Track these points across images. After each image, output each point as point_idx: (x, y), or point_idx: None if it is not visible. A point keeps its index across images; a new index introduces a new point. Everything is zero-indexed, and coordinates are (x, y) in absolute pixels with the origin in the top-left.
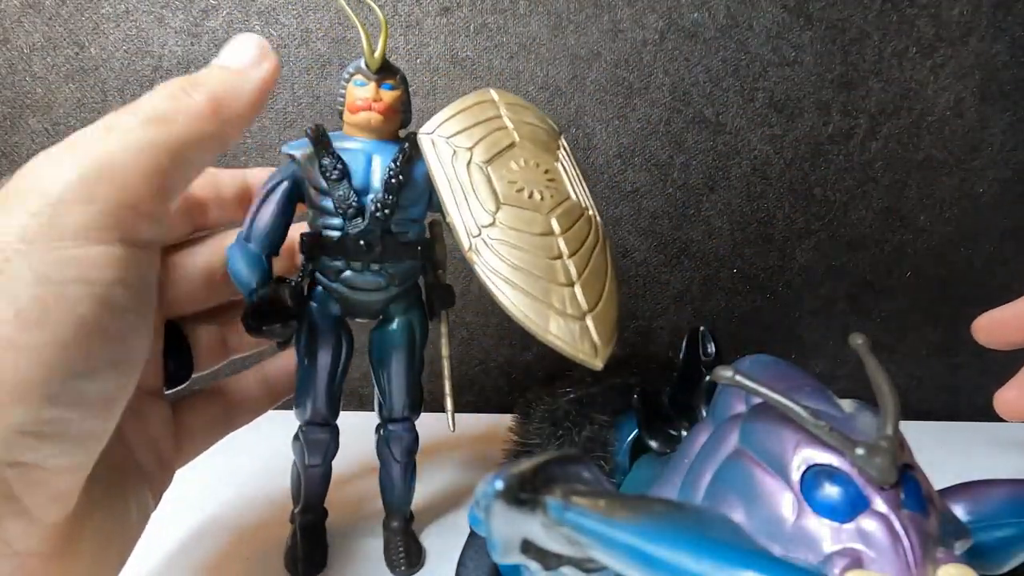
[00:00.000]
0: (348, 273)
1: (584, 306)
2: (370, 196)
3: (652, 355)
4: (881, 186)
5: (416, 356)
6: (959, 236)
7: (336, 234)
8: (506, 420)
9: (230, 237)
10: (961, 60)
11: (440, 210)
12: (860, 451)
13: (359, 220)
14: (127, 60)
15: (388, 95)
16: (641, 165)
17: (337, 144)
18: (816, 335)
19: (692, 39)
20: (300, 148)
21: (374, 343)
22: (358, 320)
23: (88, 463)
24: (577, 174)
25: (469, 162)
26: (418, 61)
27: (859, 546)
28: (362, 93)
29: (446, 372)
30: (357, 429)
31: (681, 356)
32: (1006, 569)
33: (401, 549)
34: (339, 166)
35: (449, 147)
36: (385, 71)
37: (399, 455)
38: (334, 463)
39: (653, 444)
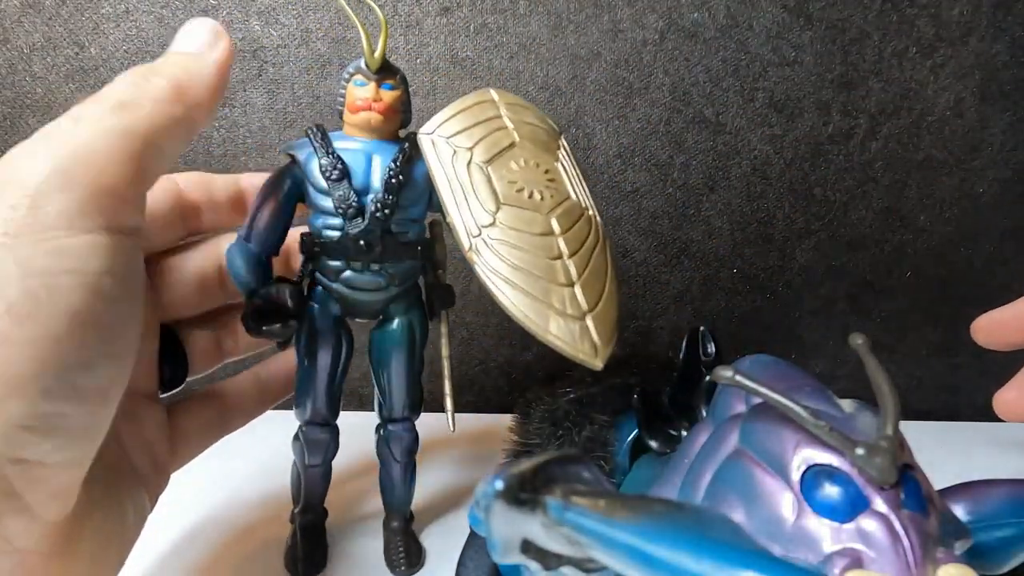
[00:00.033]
0: (348, 273)
1: (584, 306)
2: (370, 196)
3: (652, 355)
4: (881, 186)
5: (416, 356)
6: (959, 236)
7: (336, 234)
8: (506, 420)
9: (225, 242)
10: (961, 60)
11: (440, 210)
12: (860, 451)
13: (359, 220)
14: (127, 60)
15: (388, 95)
16: (641, 165)
17: (337, 144)
18: (816, 335)
19: (692, 39)
20: (300, 148)
21: (374, 343)
22: (358, 320)
23: (87, 459)
24: (577, 174)
25: (469, 162)
26: (418, 61)
27: (859, 546)
28: (362, 93)
29: (446, 372)
30: (357, 429)
31: (681, 356)
32: (1006, 569)
33: (401, 549)
34: (339, 166)
35: (449, 147)
36: (385, 71)
37: (399, 455)
38: (334, 463)
39: (653, 444)
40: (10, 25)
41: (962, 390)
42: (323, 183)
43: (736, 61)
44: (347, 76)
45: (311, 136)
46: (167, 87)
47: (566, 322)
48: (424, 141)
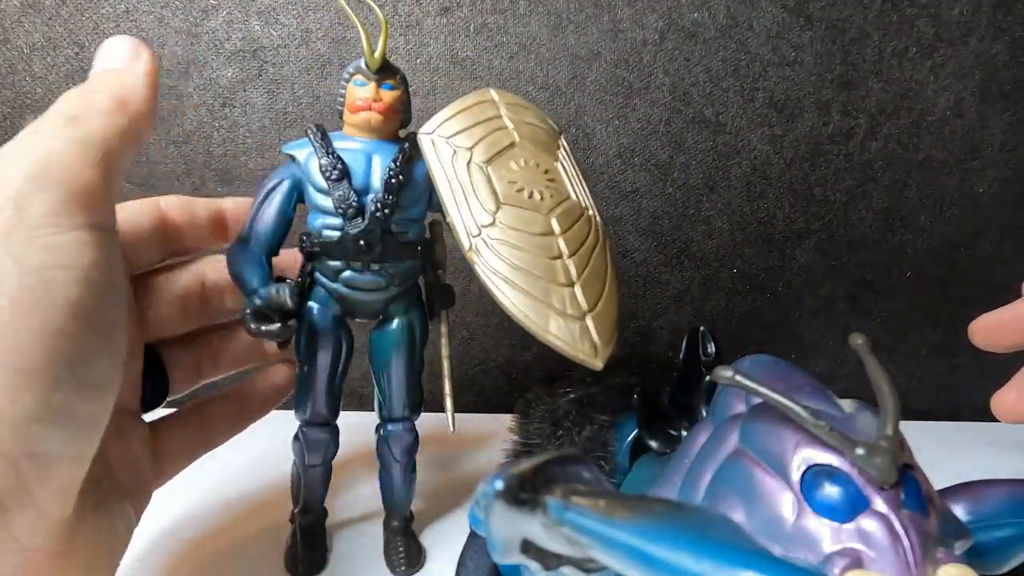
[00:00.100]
0: (348, 273)
1: (584, 306)
2: (370, 196)
3: (652, 355)
4: (881, 186)
5: (416, 356)
6: (959, 236)
7: (336, 234)
8: (506, 420)
9: (207, 263)
10: (961, 60)
11: (440, 210)
12: (860, 451)
13: (359, 220)
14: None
15: (388, 95)
16: (641, 165)
17: (337, 144)
18: (816, 335)
19: (692, 39)
20: (300, 148)
21: (374, 343)
22: (358, 320)
23: (90, 453)
24: (577, 174)
25: (469, 162)
26: (418, 61)
27: (859, 546)
28: (362, 93)
29: (446, 372)
30: (357, 429)
31: (681, 356)
32: (1006, 569)
33: (401, 549)
34: (339, 166)
35: (449, 147)
36: (385, 71)
37: (399, 455)
38: (334, 463)
39: (653, 444)
40: (10, 25)
41: (962, 390)
42: (323, 183)
43: (736, 61)
44: (347, 76)
45: (311, 136)
46: (109, 100)
47: (566, 322)
48: (424, 141)
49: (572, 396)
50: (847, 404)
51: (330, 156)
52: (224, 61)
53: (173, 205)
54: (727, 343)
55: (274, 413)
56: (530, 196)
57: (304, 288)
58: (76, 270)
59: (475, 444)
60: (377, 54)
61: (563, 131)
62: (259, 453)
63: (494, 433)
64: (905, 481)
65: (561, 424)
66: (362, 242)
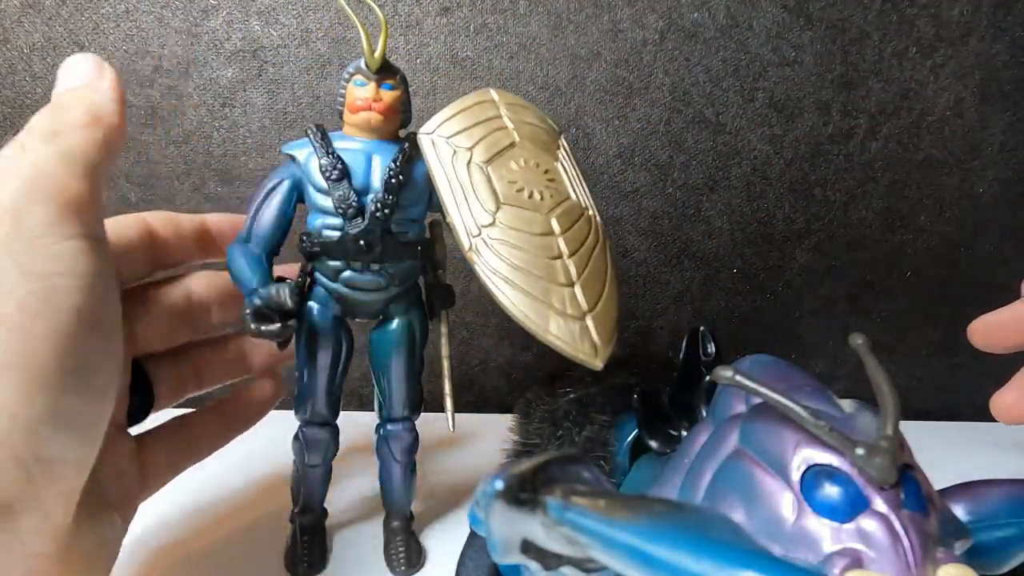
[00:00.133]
0: (348, 273)
1: (584, 306)
2: (370, 196)
3: (652, 355)
4: (881, 186)
5: (416, 356)
6: (959, 236)
7: (336, 234)
8: (506, 420)
9: (193, 279)
10: (961, 60)
11: (440, 210)
12: (860, 451)
13: (359, 220)
14: (127, 60)
15: (388, 95)
16: (641, 165)
17: (337, 144)
18: (816, 335)
19: (692, 39)
20: (300, 148)
21: (374, 343)
22: (358, 320)
23: (91, 458)
24: (577, 174)
25: (469, 162)
26: (418, 61)
27: (859, 546)
28: (362, 93)
29: (446, 372)
30: (357, 429)
31: (681, 356)
32: (1006, 569)
33: (401, 549)
34: (339, 166)
35: (449, 147)
36: (385, 71)
37: (399, 455)
38: (334, 463)
39: (653, 444)
40: (10, 25)
41: (962, 390)
42: (323, 183)
43: (736, 61)
44: (347, 76)
45: (311, 136)
46: (84, 115)
47: (566, 322)
48: (424, 141)
49: (572, 396)
50: (847, 404)
51: (330, 156)
52: (224, 61)
53: (159, 220)
54: (727, 343)
55: (274, 413)
56: (530, 196)
57: (304, 288)
58: (77, 277)
59: (475, 444)
60: (377, 54)
61: (563, 131)
62: (259, 453)
63: (494, 433)
64: (905, 481)
65: (561, 424)
66: (362, 242)
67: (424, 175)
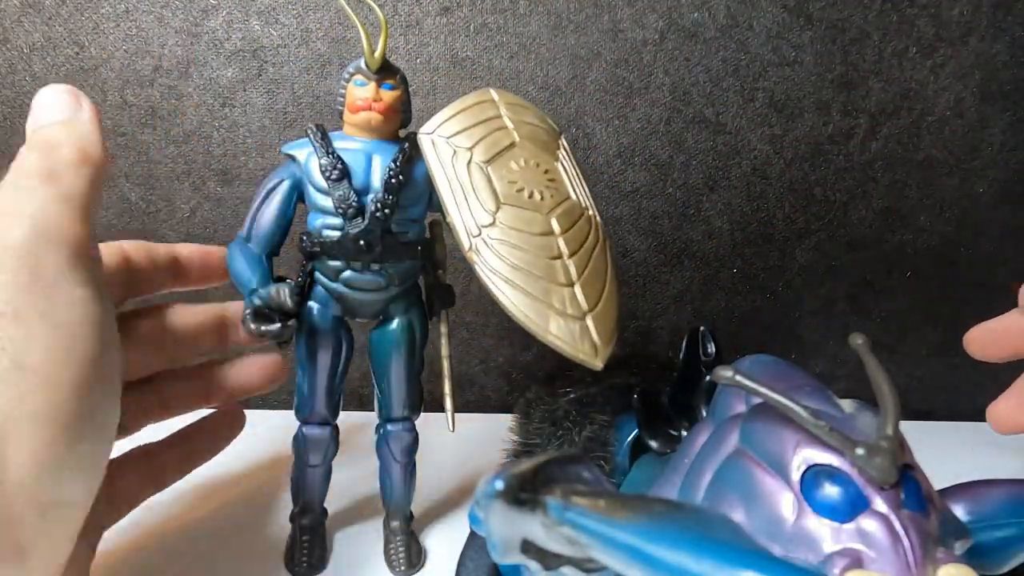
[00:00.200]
0: (348, 273)
1: (584, 306)
2: (370, 196)
3: (652, 355)
4: (881, 186)
5: (416, 356)
6: (959, 236)
7: (336, 234)
8: (506, 420)
9: (173, 312)
10: (961, 60)
11: (440, 210)
12: (860, 451)
13: (359, 220)
14: (127, 60)
15: (388, 95)
16: (641, 165)
17: (337, 144)
18: (816, 335)
19: (692, 39)
20: (300, 148)
21: (374, 343)
22: (358, 320)
23: (93, 497)
24: (577, 174)
25: (469, 162)
26: (418, 61)
27: (859, 546)
28: (362, 93)
29: (446, 372)
30: (357, 429)
31: (681, 356)
32: (1006, 569)
33: (401, 549)
34: (339, 166)
35: (449, 147)
36: (385, 71)
37: (399, 455)
38: (334, 463)
39: (653, 444)
40: (10, 25)
41: (962, 390)
42: (323, 183)
43: (736, 61)
44: (347, 76)
45: (311, 136)
46: (74, 153)
47: (566, 322)
48: (424, 141)
49: (572, 396)
50: (847, 404)
51: (330, 156)
52: (224, 61)
53: (133, 248)
54: (727, 343)
55: (274, 413)
56: (530, 196)
57: (304, 288)
58: (91, 324)
59: (475, 444)
60: (377, 54)
61: (563, 131)
62: (259, 453)
63: (494, 433)
64: (905, 481)
65: (561, 424)
66: (362, 242)
67: (424, 175)
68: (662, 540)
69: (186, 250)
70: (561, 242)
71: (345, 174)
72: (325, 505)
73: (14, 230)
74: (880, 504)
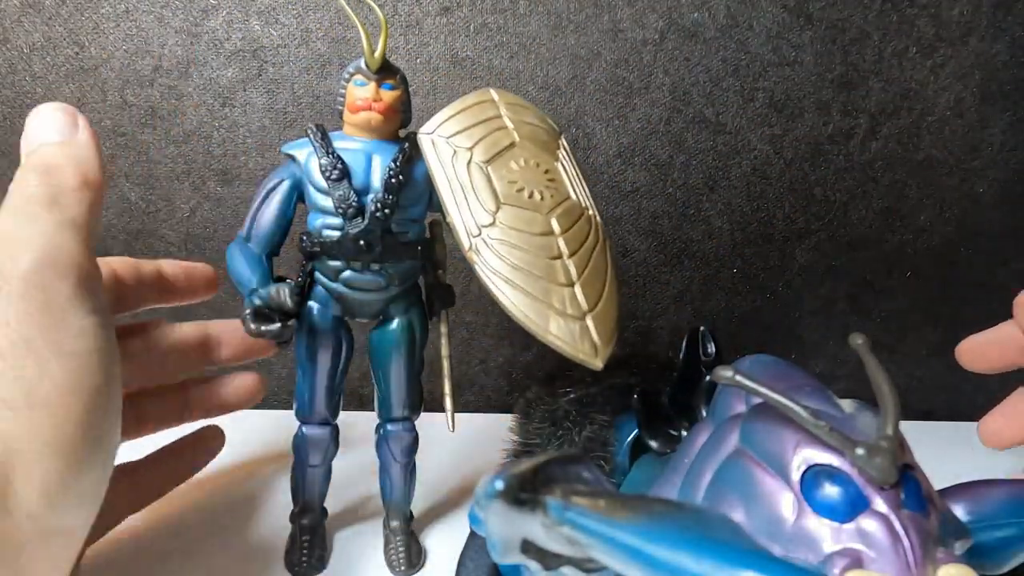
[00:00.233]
0: (348, 273)
1: (584, 306)
2: (370, 196)
3: (652, 355)
4: (881, 186)
5: (416, 356)
6: (959, 236)
7: (336, 234)
8: (506, 420)
9: (157, 331)
10: (961, 60)
11: (440, 210)
12: (860, 451)
13: (359, 220)
14: (127, 60)
15: (388, 95)
16: (641, 165)
17: (337, 144)
18: (816, 335)
19: (692, 39)
20: (300, 148)
21: (374, 343)
22: (358, 320)
23: (88, 525)
24: (577, 174)
25: (469, 162)
26: (418, 61)
27: (859, 546)
28: (362, 93)
29: (446, 372)
30: (357, 429)
31: (681, 356)
32: (1006, 569)
33: (401, 549)
34: (339, 166)
35: (449, 147)
36: (385, 71)
37: (399, 455)
38: (334, 463)
39: (653, 444)
40: (10, 25)
41: (962, 390)
42: (323, 183)
43: (736, 61)
44: (347, 76)
45: (311, 136)
46: (75, 178)
47: (566, 322)
48: (424, 141)
49: (572, 396)
50: (847, 404)
51: (330, 156)
52: (224, 61)
53: (120, 264)
54: (727, 343)
55: (274, 413)
56: (530, 196)
57: (304, 288)
58: (98, 354)
59: (475, 444)
60: (377, 54)
61: (563, 131)
62: (259, 453)
63: (494, 433)
64: (905, 481)
65: (561, 424)
66: (362, 242)
67: (424, 175)
68: (662, 540)
69: (170, 266)
70: (561, 242)
71: (345, 174)
72: (325, 505)
73: (22, 259)
74: (880, 504)
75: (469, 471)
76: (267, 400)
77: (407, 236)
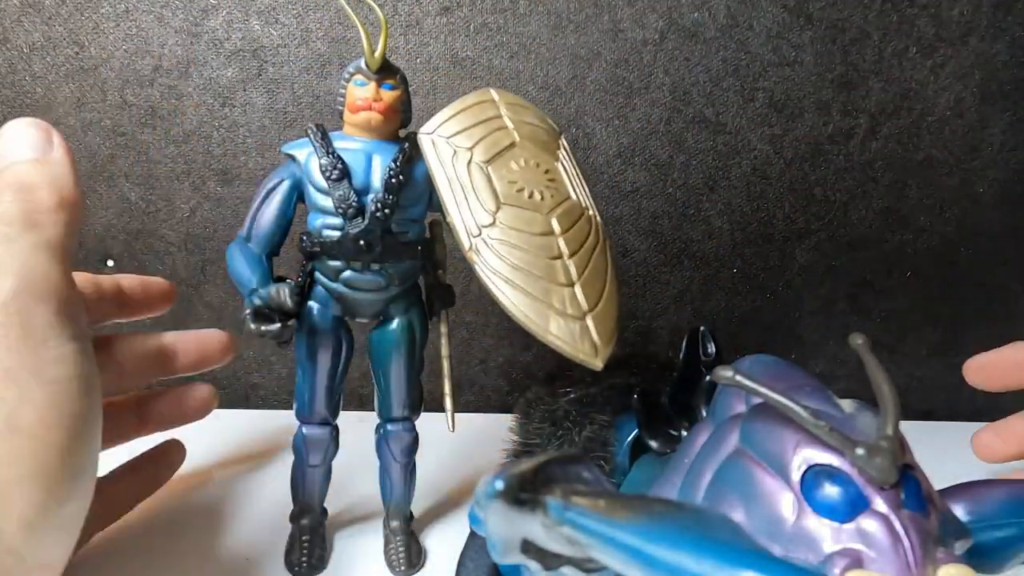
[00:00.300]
0: (348, 273)
1: (584, 306)
2: (370, 196)
3: (652, 355)
4: (881, 186)
5: (416, 356)
6: (959, 236)
7: (336, 234)
8: (506, 420)
9: (120, 342)
10: (961, 60)
11: (440, 210)
12: (860, 451)
13: (359, 220)
14: (127, 60)
15: (388, 95)
16: (641, 165)
17: (337, 144)
18: (816, 335)
19: (692, 39)
20: (300, 148)
21: (374, 343)
22: (358, 320)
23: (68, 557)
24: (577, 174)
25: (469, 162)
26: (418, 61)
27: (859, 546)
28: (362, 93)
29: (446, 372)
30: (357, 429)
31: (681, 356)
32: (1006, 569)
33: (401, 549)
34: (339, 166)
35: (449, 147)
36: (385, 71)
37: (399, 455)
38: (334, 463)
39: (653, 444)
40: (10, 25)
41: (962, 390)
42: (323, 183)
43: (736, 61)
44: (347, 76)
45: (311, 136)
46: (52, 198)
47: (566, 322)
48: (424, 141)
49: (572, 396)
50: (847, 404)
51: (330, 156)
52: (224, 61)
53: (81, 280)
54: (727, 343)
55: (274, 413)
56: (530, 196)
57: (304, 288)
58: (79, 380)
59: (475, 444)
60: (377, 54)
61: (563, 131)
62: (259, 453)
63: (494, 433)
64: (905, 481)
65: (561, 424)
66: (362, 242)
67: (424, 175)
68: (662, 540)
69: (127, 281)
70: (561, 242)
71: (345, 174)
72: (325, 505)
73: (1, 284)
74: (880, 504)
75: (469, 471)
76: (267, 400)
77: (407, 236)
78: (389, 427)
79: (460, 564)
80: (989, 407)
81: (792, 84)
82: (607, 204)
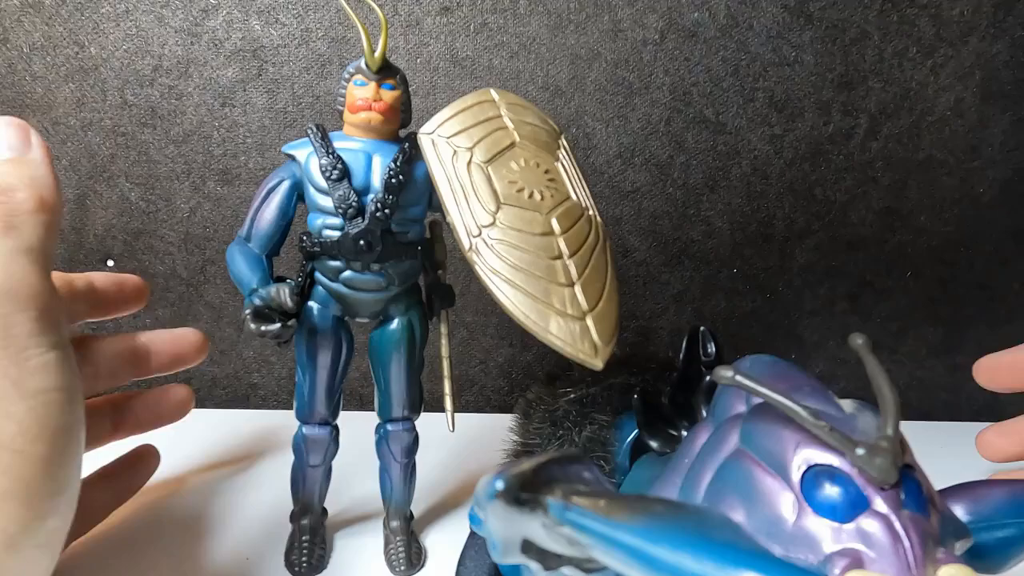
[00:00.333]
0: (348, 273)
1: (584, 306)
2: (370, 196)
3: (652, 355)
4: (881, 186)
5: (416, 356)
6: (959, 236)
7: (336, 234)
8: (506, 420)
9: (96, 343)
10: (961, 60)
11: (440, 210)
12: (860, 451)
13: (359, 220)
14: (127, 60)
15: (388, 95)
16: (641, 165)
17: (337, 144)
18: (816, 335)
19: (692, 39)
20: (300, 148)
21: (374, 343)
22: (358, 320)
23: (49, 572)
24: (577, 174)
25: (469, 162)
26: (418, 61)
27: (859, 546)
28: (362, 93)
29: (446, 372)
30: (357, 429)
31: (681, 356)
32: (1006, 569)
33: (401, 549)
34: (339, 166)
35: (449, 147)
36: (385, 71)
37: (399, 455)
38: (334, 463)
39: (653, 444)
40: (10, 25)
41: (962, 390)
42: (323, 183)
43: (736, 61)
44: (347, 76)
45: (311, 136)
46: (31, 200)
47: (566, 322)
48: (424, 141)
49: (572, 396)
50: (847, 404)
51: (330, 156)
52: (224, 61)
53: (55, 279)
54: (727, 343)
55: (274, 413)
56: (530, 196)
57: (304, 288)
58: (62, 391)
59: (475, 444)
60: (377, 54)
61: (563, 131)
62: (259, 453)
63: (494, 433)
64: (905, 481)
65: (561, 424)
66: (362, 242)
67: (424, 175)
68: (662, 540)
69: (100, 279)
70: (561, 242)
71: (345, 174)
72: (325, 505)
73: None
74: (880, 504)
75: (469, 471)
76: (267, 400)
77: (407, 236)
78: (389, 427)
79: (460, 564)
80: (989, 407)
81: (792, 84)
82: (607, 204)
